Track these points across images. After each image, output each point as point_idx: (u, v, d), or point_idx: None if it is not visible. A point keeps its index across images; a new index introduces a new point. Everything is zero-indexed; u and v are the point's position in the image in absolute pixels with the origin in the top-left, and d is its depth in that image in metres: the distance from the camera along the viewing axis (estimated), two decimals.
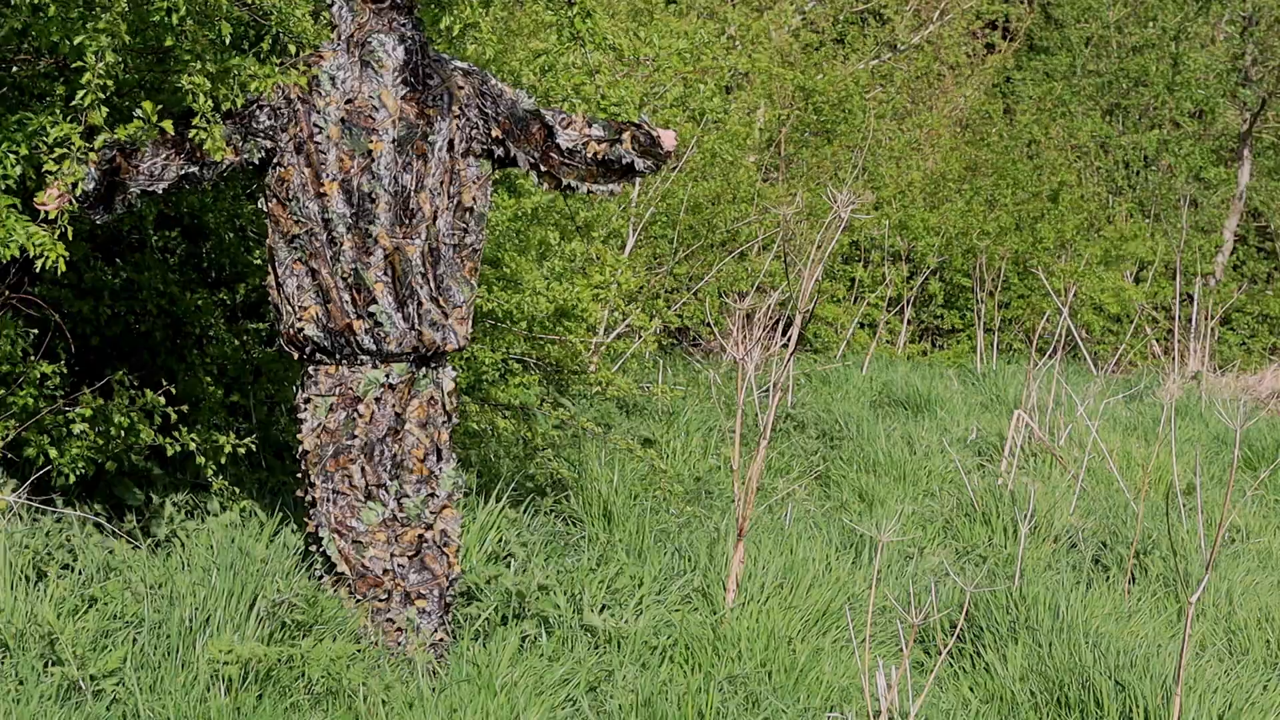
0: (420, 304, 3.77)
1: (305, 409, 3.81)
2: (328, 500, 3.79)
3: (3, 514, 3.88)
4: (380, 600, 3.79)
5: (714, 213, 8.90)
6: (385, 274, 3.75)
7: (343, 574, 3.80)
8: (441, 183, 3.81)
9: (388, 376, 3.79)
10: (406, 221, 3.76)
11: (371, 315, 3.74)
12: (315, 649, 3.49)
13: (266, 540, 3.99)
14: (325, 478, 3.79)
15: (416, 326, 3.77)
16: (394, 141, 3.75)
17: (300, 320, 3.77)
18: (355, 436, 3.78)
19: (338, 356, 3.79)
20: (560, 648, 3.88)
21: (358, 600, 3.78)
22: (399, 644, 3.78)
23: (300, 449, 3.83)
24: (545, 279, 5.93)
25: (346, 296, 3.74)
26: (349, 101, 3.73)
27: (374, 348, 3.76)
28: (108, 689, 3.33)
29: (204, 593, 3.61)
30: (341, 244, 3.74)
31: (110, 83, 3.29)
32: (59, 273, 3.37)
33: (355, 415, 3.79)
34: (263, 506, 4.32)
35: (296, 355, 3.84)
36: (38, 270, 3.45)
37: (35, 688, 3.25)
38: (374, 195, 3.73)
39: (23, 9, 3.39)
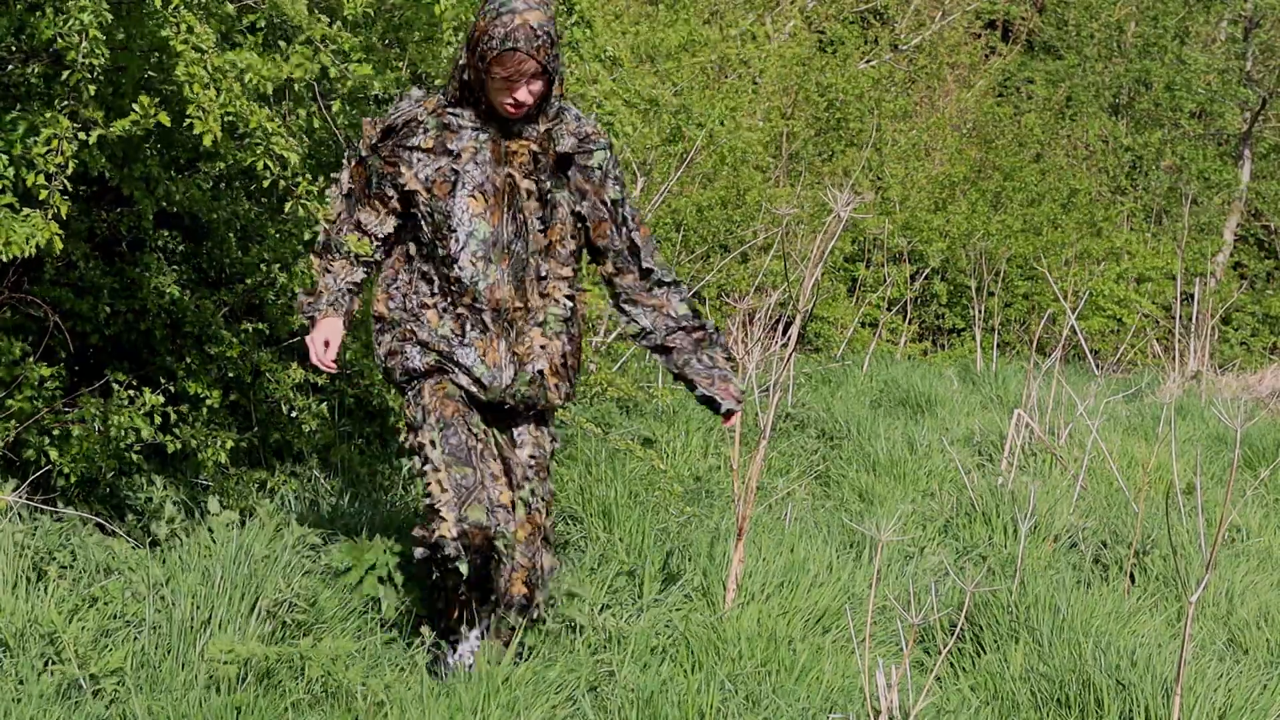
0: None
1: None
2: None
3: (3, 514, 3.88)
4: None
5: (720, 215, 8.87)
6: None
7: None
8: None
9: None
10: None
11: None
12: (315, 649, 3.49)
13: (266, 540, 3.99)
14: None
15: None
16: None
17: None
18: None
19: None
20: (560, 648, 3.88)
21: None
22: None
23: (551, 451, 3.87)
24: None
25: None
26: None
27: None
28: (108, 689, 3.33)
29: (204, 592, 3.61)
30: None
31: (98, 60, 3.25)
32: (53, 264, 3.35)
33: None
34: (263, 506, 4.32)
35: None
36: (37, 252, 3.42)
37: (35, 687, 3.25)
38: None
39: (17, 6, 3.39)
